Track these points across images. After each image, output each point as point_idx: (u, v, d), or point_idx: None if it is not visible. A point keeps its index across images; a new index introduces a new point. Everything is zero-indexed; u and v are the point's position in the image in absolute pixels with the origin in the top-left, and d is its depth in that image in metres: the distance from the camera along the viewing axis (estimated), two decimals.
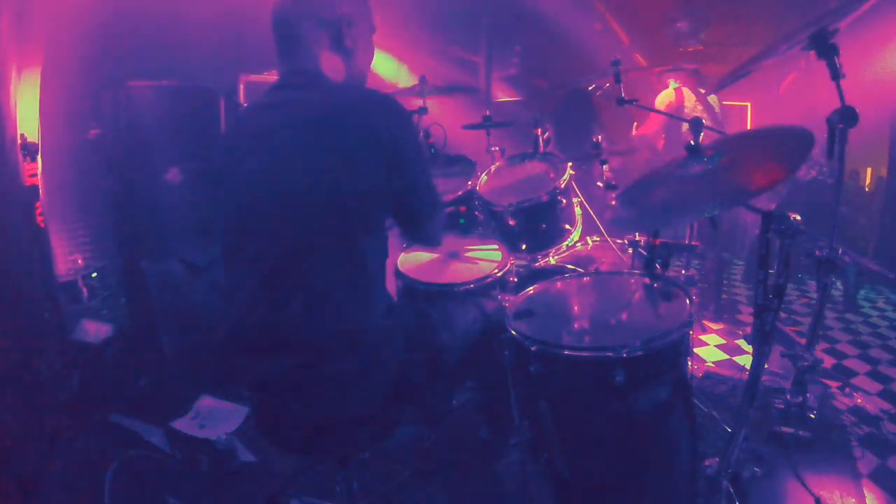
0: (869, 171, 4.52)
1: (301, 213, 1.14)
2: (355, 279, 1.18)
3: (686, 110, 3.45)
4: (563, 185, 2.06)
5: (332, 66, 1.26)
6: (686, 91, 3.51)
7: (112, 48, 3.30)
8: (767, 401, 2.16)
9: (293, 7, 1.23)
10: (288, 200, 1.14)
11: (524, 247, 2.11)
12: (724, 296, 3.81)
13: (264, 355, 1.19)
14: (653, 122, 3.60)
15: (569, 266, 2.07)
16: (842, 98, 1.46)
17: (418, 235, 1.41)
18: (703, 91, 3.50)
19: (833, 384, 2.53)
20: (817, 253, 1.65)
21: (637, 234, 2.10)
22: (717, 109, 3.52)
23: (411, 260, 2.06)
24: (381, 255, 1.27)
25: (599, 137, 2.28)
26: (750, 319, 1.31)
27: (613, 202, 1.72)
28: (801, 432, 1.96)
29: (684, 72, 3.46)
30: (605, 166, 2.26)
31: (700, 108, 3.47)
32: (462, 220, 2.29)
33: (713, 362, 2.77)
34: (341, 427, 1.21)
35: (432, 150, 2.38)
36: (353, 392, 1.18)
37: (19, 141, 2.23)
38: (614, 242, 2.26)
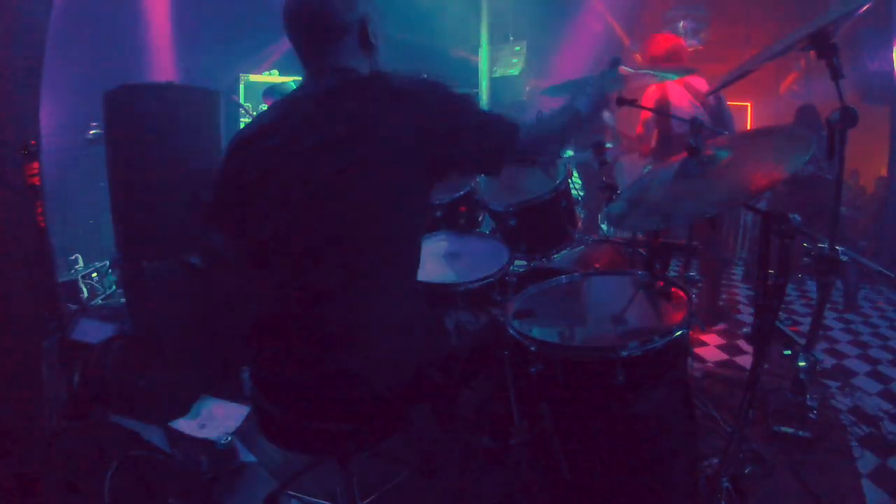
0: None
1: (337, 208, 1.16)
2: (388, 273, 1.21)
3: (673, 103, 3.07)
4: (563, 186, 2.06)
5: (359, 64, 1.27)
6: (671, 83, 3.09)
7: (112, 48, 3.31)
8: (767, 401, 2.16)
9: (319, 10, 1.21)
10: (324, 199, 1.16)
11: (524, 247, 2.11)
12: (724, 296, 3.81)
13: (287, 336, 1.21)
14: (642, 119, 3.44)
15: (569, 266, 2.07)
16: (842, 98, 1.46)
17: (499, 164, 1.29)
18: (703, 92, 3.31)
19: (833, 384, 2.53)
20: (817, 252, 1.65)
21: (637, 234, 2.10)
22: (712, 103, 3.08)
23: None
24: (416, 251, 1.30)
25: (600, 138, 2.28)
26: (750, 319, 1.31)
27: (613, 202, 1.71)
28: (801, 432, 1.96)
29: None
30: (604, 167, 2.26)
31: (689, 99, 3.07)
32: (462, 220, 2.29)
33: (713, 362, 2.76)
34: (355, 416, 1.21)
35: None
36: (372, 382, 1.18)
37: (20, 141, 2.22)
38: (614, 242, 2.26)
